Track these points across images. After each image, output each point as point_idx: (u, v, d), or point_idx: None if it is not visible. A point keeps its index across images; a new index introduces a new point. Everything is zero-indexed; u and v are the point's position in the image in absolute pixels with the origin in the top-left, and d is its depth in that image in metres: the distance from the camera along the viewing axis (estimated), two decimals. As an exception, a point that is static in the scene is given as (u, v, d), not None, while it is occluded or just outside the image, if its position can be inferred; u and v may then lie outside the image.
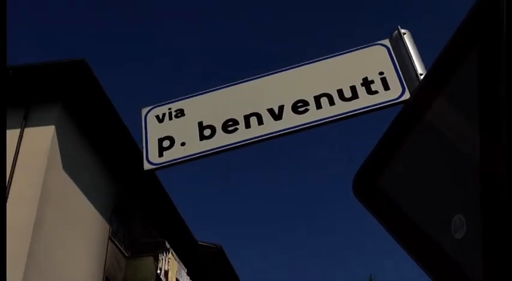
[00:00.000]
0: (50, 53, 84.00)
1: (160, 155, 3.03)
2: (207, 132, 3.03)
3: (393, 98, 2.84)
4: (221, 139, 2.98)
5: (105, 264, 20.10)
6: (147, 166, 3.00)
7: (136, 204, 23.37)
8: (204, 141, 3.01)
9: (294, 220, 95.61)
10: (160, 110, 3.25)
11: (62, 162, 17.96)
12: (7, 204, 16.30)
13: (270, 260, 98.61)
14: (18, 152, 17.29)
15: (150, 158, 3.02)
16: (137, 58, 76.54)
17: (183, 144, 3.04)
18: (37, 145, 17.46)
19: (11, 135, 17.71)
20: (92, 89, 18.34)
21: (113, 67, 75.52)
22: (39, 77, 18.11)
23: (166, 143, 3.07)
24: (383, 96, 2.86)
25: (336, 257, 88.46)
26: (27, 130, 17.76)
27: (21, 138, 17.57)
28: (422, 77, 2.72)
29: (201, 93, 3.30)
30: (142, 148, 3.13)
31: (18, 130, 17.75)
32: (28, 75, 18.06)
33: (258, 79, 3.22)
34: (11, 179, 16.79)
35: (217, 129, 3.02)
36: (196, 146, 3.00)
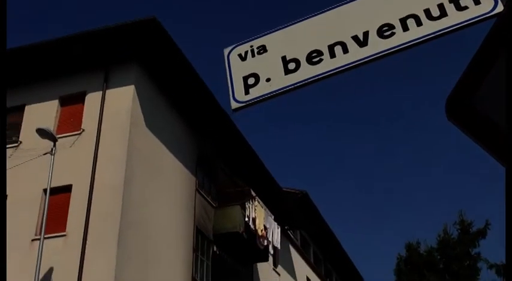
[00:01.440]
0: (115, 16, 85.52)
1: (247, 92, 3.02)
2: (291, 66, 2.99)
3: (485, 11, 2.68)
4: (307, 71, 2.93)
5: (194, 215, 20.70)
6: (234, 105, 3.00)
7: (220, 155, 23.78)
8: (289, 75, 2.97)
9: (380, 169, 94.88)
10: (242, 49, 3.22)
11: (145, 120, 18.41)
12: (97, 165, 16.98)
13: (355, 202, 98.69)
14: (102, 114, 17.85)
15: (236, 97, 3.02)
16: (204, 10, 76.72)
17: (268, 80, 3.01)
18: (119, 105, 17.95)
19: (94, 98, 18.30)
20: (165, 45, 18.55)
21: (182, 24, 76.09)
22: (114, 39, 18.47)
23: (251, 81, 3.05)
24: (474, 11, 2.71)
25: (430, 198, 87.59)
26: (108, 92, 18.26)
27: (103, 101, 18.11)
28: (516, -15, 2.55)
29: (282, 28, 3.24)
30: (228, 87, 3.12)
31: (100, 93, 18.28)
32: (103, 39, 18.46)
33: (338, 7, 3.12)
34: (98, 141, 17.40)
35: (301, 62, 2.97)
36: (282, 81, 2.97)
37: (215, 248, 22.07)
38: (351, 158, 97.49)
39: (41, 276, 14.99)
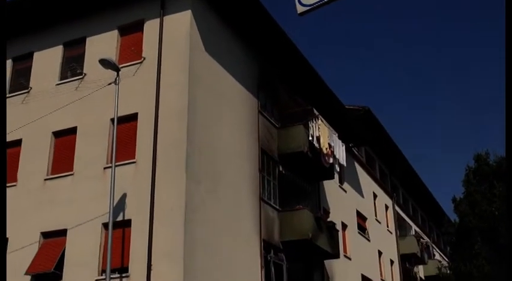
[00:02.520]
0: None
1: None
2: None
3: None
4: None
5: (258, 137, 20.86)
6: (300, 9, 2.91)
7: (281, 76, 23.64)
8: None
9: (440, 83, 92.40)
10: None
11: (204, 44, 18.35)
12: (160, 92, 17.17)
13: (418, 118, 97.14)
14: (161, 41, 17.87)
15: (302, 0, 2.91)
16: None
17: None
18: (177, 31, 17.91)
19: (152, 25, 18.32)
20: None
21: None
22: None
23: (316, -17, 2.93)
24: None
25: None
26: (166, 18, 18.20)
27: (161, 27, 18.08)
28: None
29: None
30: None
31: (158, 19, 18.24)
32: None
33: None
34: (159, 68, 17.52)
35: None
36: (347, -17, 2.83)
37: (281, 168, 22.33)
38: (415, 76, 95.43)
39: (115, 202, 15.58)
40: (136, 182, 16.50)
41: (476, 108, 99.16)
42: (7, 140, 19.26)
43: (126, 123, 17.30)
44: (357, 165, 32.43)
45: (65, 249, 16.91)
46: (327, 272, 25.01)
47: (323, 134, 23.37)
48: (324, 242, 22.60)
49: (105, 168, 17.23)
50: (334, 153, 24.35)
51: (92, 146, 17.85)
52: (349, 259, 28.18)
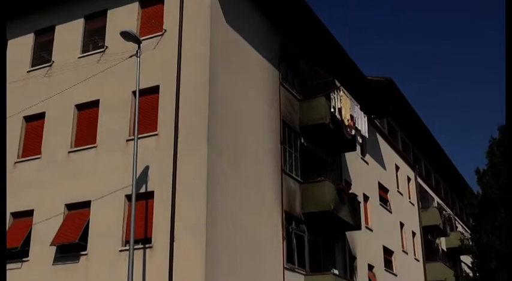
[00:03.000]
0: None
1: None
2: None
3: None
4: None
5: (280, 109, 20.79)
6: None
7: (302, 47, 23.45)
8: None
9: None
10: None
11: (224, 16, 18.22)
12: (181, 64, 17.15)
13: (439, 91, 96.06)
14: (182, 13, 17.76)
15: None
16: None
17: None
18: (198, 3, 17.78)
19: (173, -3, 18.20)
20: None
21: None
22: None
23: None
24: None
25: None
26: (186, -10, 18.05)
27: (182, 0, 17.95)
28: None
29: None
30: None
31: (179, -9, 18.10)
32: None
33: None
34: (181, 40, 17.45)
35: None
36: None
37: (302, 140, 22.29)
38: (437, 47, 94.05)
39: (137, 174, 15.71)
40: (159, 154, 16.60)
41: (499, 80, 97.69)
42: (31, 113, 19.52)
43: (148, 95, 17.34)
44: (379, 136, 32.26)
45: (89, 220, 17.15)
46: (348, 244, 25.10)
47: (345, 105, 23.22)
48: (346, 214, 22.63)
49: (127, 140, 17.34)
50: (356, 124, 24.21)
51: (115, 119, 17.95)
52: (371, 230, 28.22)
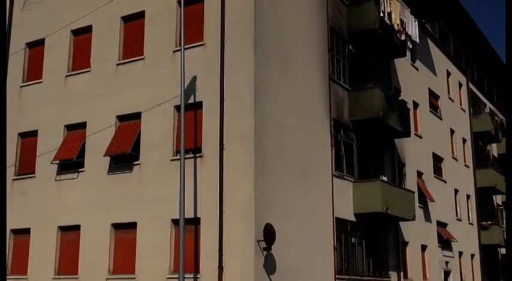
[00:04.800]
0: None
1: None
2: None
3: None
4: None
5: (327, 15, 20.25)
6: None
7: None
8: None
9: None
10: None
11: None
12: None
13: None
14: None
15: None
16: None
17: None
18: None
19: None
20: None
21: None
22: None
23: None
24: None
25: None
26: None
27: None
28: None
29: None
30: None
31: None
32: None
33: None
34: None
35: None
36: None
37: (350, 47, 21.84)
38: None
39: (186, 84, 15.77)
40: (206, 64, 16.56)
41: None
42: (77, 27, 19.59)
43: (193, 5, 17.12)
44: (429, 42, 31.31)
45: (140, 131, 17.49)
46: (397, 151, 25.03)
47: (395, 9, 22.47)
48: (395, 121, 22.42)
49: (174, 51, 17.32)
50: (406, 29, 23.50)
51: (160, 30, 17.87)
52: (420, 137, 27.99)
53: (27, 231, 19.00)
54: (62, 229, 18.41)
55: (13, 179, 19.78)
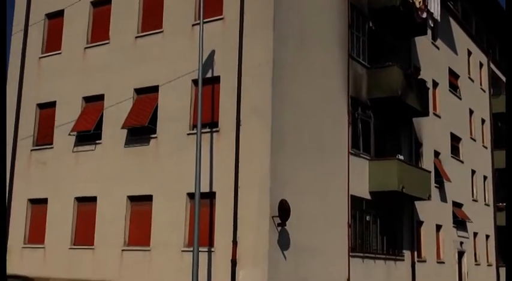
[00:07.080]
0: None
1: None
2: None
3: None
4: None
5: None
6: None
7: None
8: None
9: None
10: None
11: None
12: None
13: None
14: None
15: None
16: None
17: None
18: None
19: None
20: None
21: None
22: None
23: None
24: None
25: None
26: None
27: None
28: None
29: None
30: None
31: None
32: None
33: None
34: None
35: None
36: None
37: (371, 24, 21.58)
38: None
39: (204, 58, 15.71)
40: (224, 39, 16.47)
41: None
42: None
43: (212, -22, 17.03)
44: (451, 20, 30.83)
45: (157, 104, 17.51)
46: (415, 130, 24.85)
47: (417, -13, 22.14)
48: (413, 100, 22.22)
49: (193, 25, 17.24)
50: (428, 7, 23.15)
51: (180, 3, 17.78)
52: (439, 117, 27.74)
53: (44, 201, 19.24)
54: (79, 200, 18.60)
55: (31, 150, 19.99)
